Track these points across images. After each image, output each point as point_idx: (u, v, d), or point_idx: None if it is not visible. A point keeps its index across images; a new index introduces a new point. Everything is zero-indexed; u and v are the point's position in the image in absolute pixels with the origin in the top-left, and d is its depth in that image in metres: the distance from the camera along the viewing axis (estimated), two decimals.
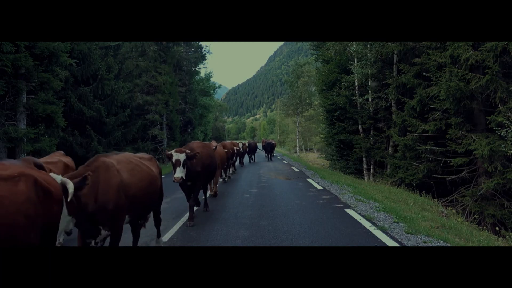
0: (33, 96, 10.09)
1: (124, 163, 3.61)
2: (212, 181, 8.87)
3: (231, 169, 13.99)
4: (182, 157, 5.74)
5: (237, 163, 17.93)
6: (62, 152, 6.17)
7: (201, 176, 6.60)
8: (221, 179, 12.11)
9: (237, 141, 17.83)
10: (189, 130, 30.16)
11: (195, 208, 6.78)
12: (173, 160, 5.75)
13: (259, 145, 37.11)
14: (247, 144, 20.90)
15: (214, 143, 9.44)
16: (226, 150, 11.31)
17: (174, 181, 5.71)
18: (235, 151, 14.19)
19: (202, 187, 7.13)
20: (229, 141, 19.01)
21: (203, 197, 7.68)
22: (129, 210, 3.51)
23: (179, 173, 5.66)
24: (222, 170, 11.65)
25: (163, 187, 4.67)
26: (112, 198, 3.23)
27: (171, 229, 6.04)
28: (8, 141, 9.28)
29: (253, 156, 23.51)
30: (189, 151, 5.95)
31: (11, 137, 9.19)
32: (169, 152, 5.91)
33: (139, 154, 4.25)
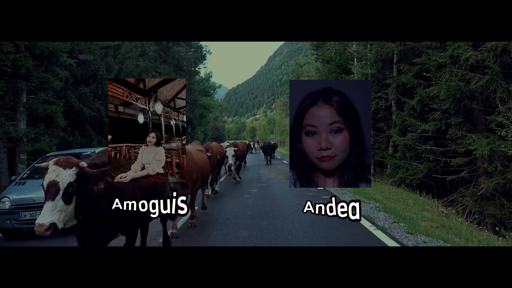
0: (33, 96, 10.11)
1: None
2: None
3: (216, 184, 9.83)
4: (65, 178, 2.32)
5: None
6: None
7: (116, 219, 2.82)
8: (207, 193, 8.67)
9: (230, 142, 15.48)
10: (189, 130, 30.19)
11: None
12: (44, 184, 2.31)
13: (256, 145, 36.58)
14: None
15: (195, 144, 6.95)
16: (210, 155, 7.64)
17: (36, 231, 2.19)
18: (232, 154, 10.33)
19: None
20: (235, 141, 15.94)
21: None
22: None
23: (47, 215, 2.21)
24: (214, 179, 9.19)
25: None
26: None
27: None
28: (8, 141, 9.29)
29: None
30: (87, 165, 2.45)
31: (11, 137, 9.20)
32: (45, 163, 2.41)
33: None
